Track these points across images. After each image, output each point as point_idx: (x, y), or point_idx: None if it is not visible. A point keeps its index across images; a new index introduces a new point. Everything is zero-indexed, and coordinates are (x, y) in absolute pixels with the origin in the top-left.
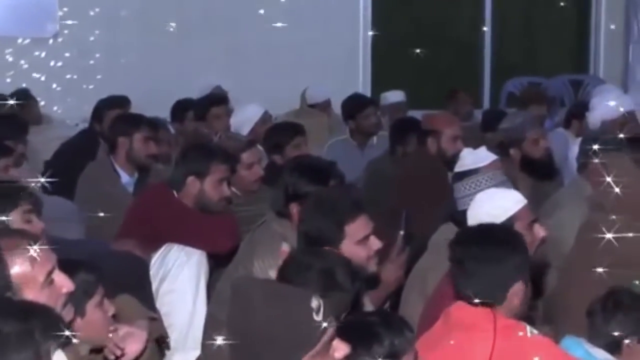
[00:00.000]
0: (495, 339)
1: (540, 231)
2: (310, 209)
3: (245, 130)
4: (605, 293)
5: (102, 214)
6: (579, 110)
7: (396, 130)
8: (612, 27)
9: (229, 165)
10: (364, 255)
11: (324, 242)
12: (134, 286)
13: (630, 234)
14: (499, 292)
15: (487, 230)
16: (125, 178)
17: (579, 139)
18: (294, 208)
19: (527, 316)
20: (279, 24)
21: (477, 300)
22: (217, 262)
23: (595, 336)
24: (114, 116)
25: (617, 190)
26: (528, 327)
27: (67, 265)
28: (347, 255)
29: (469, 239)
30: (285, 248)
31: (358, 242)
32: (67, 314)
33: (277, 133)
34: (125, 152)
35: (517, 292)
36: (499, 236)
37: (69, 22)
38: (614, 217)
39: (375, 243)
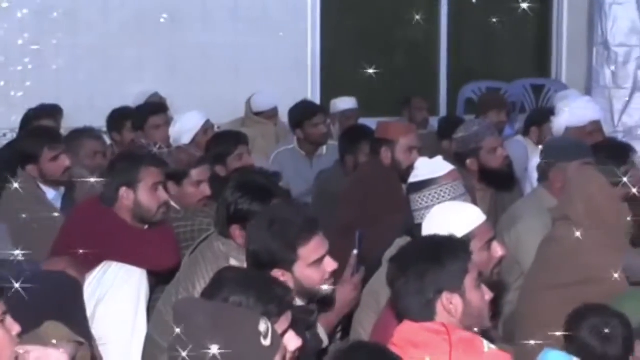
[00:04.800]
0: (452, 354)
1: (498, 250)
2: (261, 229)
3: (185, 140)
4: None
5: (30, 233)
6: (539, 117)
7: (347, 140)
8: (575, 29)
9: (161, 168)
10: (318, 278)
11: (274, 264)
12: (64, 309)
13: (598, 248)
14: (425, 308)
15: (414, 246)
16: (51, 193)
17: (539, 148)
18: (236, 230)
19: (488, 337)
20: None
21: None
22: (158, 280)
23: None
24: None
25: (584, 201)
26: (485, 342)
27: None
28: (299, 279)
29: (397, 257)
30: None
31: (311, 265)
32: None
33: (218, 143)
34: (38, 170)
35: (446, 304)
36: (424, 250)
37: None
38: (580, 230)
39: (330, 264)
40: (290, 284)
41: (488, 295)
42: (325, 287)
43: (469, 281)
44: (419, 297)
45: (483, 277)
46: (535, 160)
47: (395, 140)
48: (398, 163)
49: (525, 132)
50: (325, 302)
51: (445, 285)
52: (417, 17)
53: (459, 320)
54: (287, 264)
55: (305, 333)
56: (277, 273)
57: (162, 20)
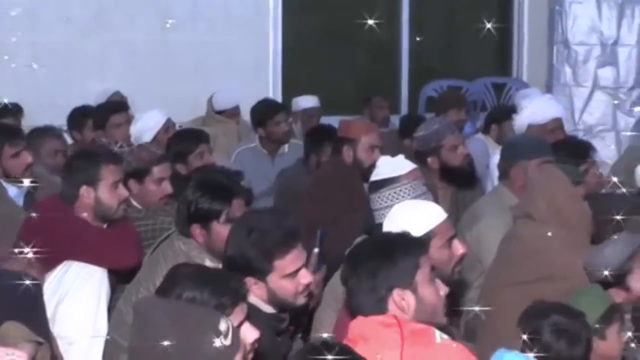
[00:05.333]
0: (404, 346)
1: (459, 247)
2: (240, 235)
3: (146, 139)
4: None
5: None
6: (498, 115)
7: (311, 139)
8: (535, 28)
9: (119, 165)
10: (292, 289)
11: (248, 272)
12: (24, 309)
13: (559, 246)
14: (378, 304)
15: (365, 244)
16: (13, 191)
17: (499, 145)
18: (196, 228)
19: (449, 334)
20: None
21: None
22: (118, 279)
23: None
24: None
25: (546, 199)
26: (437, 332)
27: None
28: (273, 289)
29: (349, 255)
30: None
31: (286, 276)
32: None
33: (179, 141)
34: None
35: (398, 301)
36: (375, 247)
37: None
38: (541, 227)
39: (306, 277)
40: (263, 293)
41: (443, 290)
42: (300, 300)
43: (421, 276)
44: (371, 294)
45: (442, 274)
46: (496, 158)
47: (357, 138)
48: (360, 162)
49: (486, 130)
50: (297, 311)
51: (396, 282)
52: (379, 15)
53: (412, 316)
54: (262, 274)
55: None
56: (250, 281)
57: (123, 18)
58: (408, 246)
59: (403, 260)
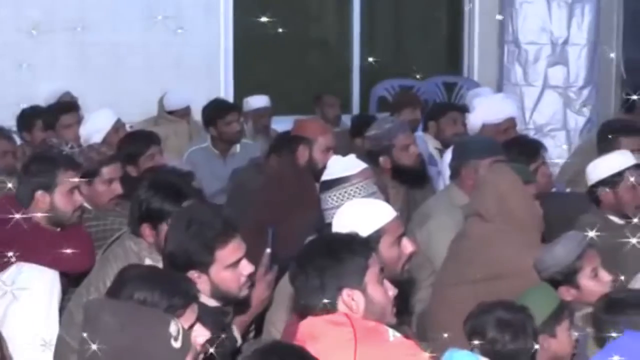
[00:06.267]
0: (357, 346)
1: (408, 246)
2: (178, 230)
3: (96, 140)
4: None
5: None
6: (436, 112)
7: (283, 141)
8: (486, 27)
9: (77, 171)
10: (235, 281)
11: (190, 265)
12: None
13: (509, 244)
14: (326, 303)
15: (314, 244)
16: None
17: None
18: (146, 228)
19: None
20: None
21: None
22: (69, 280)
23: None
24: None
25: (496, 198)
26: (390, 330)
27: None
28: (216, 281)
29: (299, 254)
30: None
31: (228, 267)
32: None
33: (130, 143)
34: None
35: (347, 301)
36: (323, 248)
37: None
38: (492, 226)
39: (247, 267)
40: (206, 286)
41: (392, 291)
42: (242, 292)
43: (370, 277)
44: (320, 294)
45: (391, 273)
46: (447, 157)
47: (314, 139)
48: (314, 162)
49: (424, 128)
50: (241, 304)
51: (345, 282)
52: (330, 15)
53: (361, 316)
54: (204, 266)
55: (216, 330)
56: (192, 275)
57: (73, 19)
58: (357, 247)
59: (352, 261)
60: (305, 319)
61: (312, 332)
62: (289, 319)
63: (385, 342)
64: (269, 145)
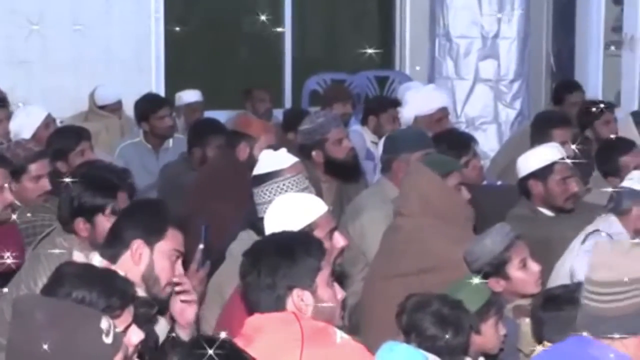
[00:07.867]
0: (303, 346)
1: (339, 240)
2: (113, 224)
3: (26, 135)
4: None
5: None
6: (376, 106)
7: (195, 133)
8: (417, 21)
9: (6, 168)
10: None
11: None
12: None
13: (438, 237)
14: (276, 303)
15: (268, 241)
16: None
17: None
18: (80, 223)
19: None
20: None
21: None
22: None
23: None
24: None
25: (416, 194)
26: (338, 331)
27: None
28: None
29: (250, 250)
30: None
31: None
32: None
33: (60, 138)
34: None
35: (297, 301)
36: (277, 246)
37: None
38: (422, 220)
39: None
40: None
41: (340, 294)
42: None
43: (321, 279)
44: (270, 292)
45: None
46: (374, 149)
47: (257, 136)
48: (254, 160)
49: (363, 122)
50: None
51: (296, 282)
52: (261, 8)
53: (309, 317)
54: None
55: (146, 326)
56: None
57: (1, 13)
58: (311, 248)
59: (305, 261)
60: (252, 315)
61: (260, 327)
62: (220, 314)
63: (333, 343)
64: (187, 139)
